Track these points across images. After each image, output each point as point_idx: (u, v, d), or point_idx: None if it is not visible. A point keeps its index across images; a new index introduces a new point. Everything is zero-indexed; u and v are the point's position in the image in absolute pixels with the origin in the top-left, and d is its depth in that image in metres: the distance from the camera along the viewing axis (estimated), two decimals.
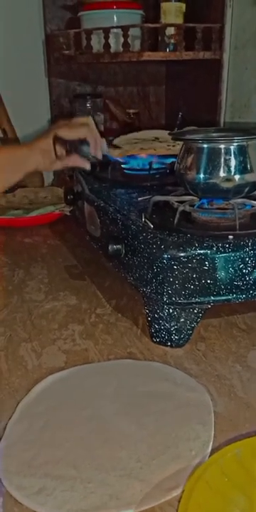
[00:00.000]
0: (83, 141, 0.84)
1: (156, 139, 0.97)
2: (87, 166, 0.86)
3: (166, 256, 0.60)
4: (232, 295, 0.62)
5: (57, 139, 0.83)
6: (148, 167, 0.90)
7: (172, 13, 1.05)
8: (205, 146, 0.66)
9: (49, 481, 0.43)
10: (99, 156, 0.86)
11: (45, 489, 0.42)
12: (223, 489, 0.37)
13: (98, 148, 0.86)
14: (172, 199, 0.71)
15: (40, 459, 0.46)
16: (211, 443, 0.47)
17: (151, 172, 0.90)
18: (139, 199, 0.79)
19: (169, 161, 0.90)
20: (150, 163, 0.90)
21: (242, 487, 0.37)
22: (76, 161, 0.86)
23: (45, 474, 0.44)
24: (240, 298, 0.62)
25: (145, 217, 0.68)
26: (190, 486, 0.36)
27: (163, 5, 1.05)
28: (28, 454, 0.47)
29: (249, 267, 0.61)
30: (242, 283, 0.61)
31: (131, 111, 1.33)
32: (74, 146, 0.84)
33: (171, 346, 0.64)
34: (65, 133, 0.83)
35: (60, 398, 0.54)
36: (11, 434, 0.49)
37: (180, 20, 1.05)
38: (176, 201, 0.70)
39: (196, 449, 0.46)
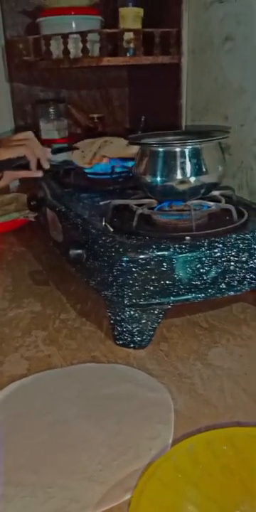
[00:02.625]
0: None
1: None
2: (34, 173, 0.87)
3: (124, 259, 0.61)
4: (191, 295, 0.63)
5: None
6: (110, 171, 0.91)
7: (130, 18, 1.06)
8: (161, 149, 0.67)
9: (9, 488, 0.43)
10: (46, 167, 0.89)
11: (5, 496, 0.43)
12: (176, 485, 0.38)
13: (42, 161, 0.88)
14: (131, 202, 0.72)
15: (0, 467, 0.46)
16: (170, 440, 0.48)
17: (114, 176, 0.91)
18: (101, 203, 0.80)
19: (131, 164, 0.91)
20: (112, 167, 0.91)
21: (195, 482, 0.38)
22: (11, 175, 0.88)
23: (6, 482, 0.44)
24: (199, 297, 0.64)
25: (105, 221, 0.69)
26: (142, 483, 0.37)
27: (121, 10, 1.06)
28: None
29: (206, 266, 0.62)
30: (200, 282, 0.63)
31: (95, 115, 1.34)
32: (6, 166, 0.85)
33: (134, 348, 0.65)
34: (2, 154, 0.84)
35: (22, 405, 0.54)
36: None
37: (138, 25, 1.06)
38: (135, 204, 0.71)
39: (156, 447, 0.47)
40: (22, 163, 0.86)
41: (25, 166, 0.88)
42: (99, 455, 0.47)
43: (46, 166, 0.89)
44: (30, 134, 0.89)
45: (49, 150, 0.91)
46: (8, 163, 0.84)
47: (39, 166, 0.89)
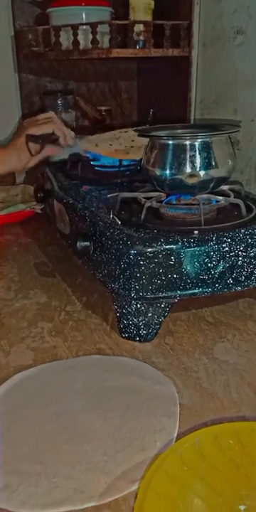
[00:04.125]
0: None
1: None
2: (60, 151, 0.92)
3: (132, 252, 0.61)
4: (198, 289, 0.63)
5: (29, 138, 0.88)
6: (118, 164, 0.90)
7: (141, 9, 1.05)
8: (170, 142, 0.67)
9: (14, 478, 0.43)
10: (71, 143, 0.93)
11: (10, 485, 0.43)
12: (183, 478, 0.38)
13: (67, 138, 0.92)
14: (139, 195, 0.72)
15: (6, 456, 0.46)
16: (176, 434, 0.48)
17: (121, 169, 0.90)
18: (108, 196, 0.80)
19: (138, 158, 0.90)
20: (120, 160, 0.90)
21: (202, 475, 0.38)
22: (48, 150, 0.91)
23: (11, 471, 0.44)
24: (206, 291, 0.63)
25: (113, 214, 0.69)
26: (149, 476, 0.37)
27: (132, 2, 1.05)
28: None
29: (214, 261, 0.62)
30: (208, 277, 0.62)
31: (103, 108, 1.33)
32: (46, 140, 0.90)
33: (140, 341, 0.65)
34: (35, 130, 0.88)
35: (27, 395, 0.55)
36: None
37: (149, 17, 1.05)
38: (144, 197, 0.71)
39: (161, 440, 0.47)
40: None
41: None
42: (104, 446, 0.47)
43: (71, 142, 0.92)
44: (53, 113, 0.94)
45: (71, 131, 0.94)
46: (41, 138, 0.89)
47: None
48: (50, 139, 0.90)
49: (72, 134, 0.93)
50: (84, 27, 1.02)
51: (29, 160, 0.90)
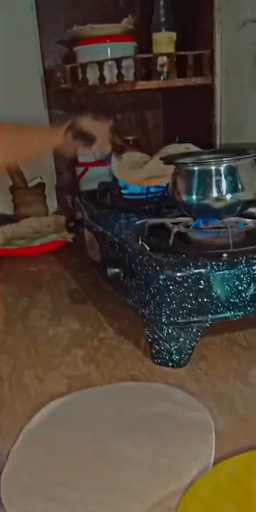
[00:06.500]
0: None
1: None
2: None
3: (161, 277, 0.61)
4: (230, 312, 0.62)
5: (72, 127, 0.88)
6: (145, 191, 0.92)
7: (164, 42, 1.08)
8: (196, 168, 0.68)
9: (50, 504, 0.44)
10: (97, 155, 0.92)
11: (47, 511, 0.43)
12: (218, 505, 0.37)
13: (101, 148, 0.91)
14: (167, 221, 0.73)
15: (42, 483, 0.47)
16: (212, 461, 0.47)
17: (149, 196, 0.92)
18: (137, 223, 0.81)
19: (166, 184, 0.92)
20: (147, 187, 0.92)
21: (238, 502, 0.38)
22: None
23: (47, 497, 0.45)
24: (238, 315, 0.63)
25: (142, 240, 0.70)
26: (184, 503, 0.37)
27: (155, 35, 1.09)
28: (31, 478, 0.47)
29: (244, 283, 0.62)
30: (239, 300, 0.62)
31: (130, 138, 1.36)
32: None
33: (173, 366, 0.65)
34: (85, 124, 0.88)
35: (62, 423, 0.55)
36: (14, 459, 0.50)
37: (171, 49, 1.09)
38: (171, 223, 0.72)
39: (197, 467, 0.46)
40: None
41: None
42: (138, 473, 0.47)
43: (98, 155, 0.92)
44: (109, 123, 0.94)
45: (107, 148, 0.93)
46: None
47: None
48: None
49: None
50: (110, 62, 1.06)
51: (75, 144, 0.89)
